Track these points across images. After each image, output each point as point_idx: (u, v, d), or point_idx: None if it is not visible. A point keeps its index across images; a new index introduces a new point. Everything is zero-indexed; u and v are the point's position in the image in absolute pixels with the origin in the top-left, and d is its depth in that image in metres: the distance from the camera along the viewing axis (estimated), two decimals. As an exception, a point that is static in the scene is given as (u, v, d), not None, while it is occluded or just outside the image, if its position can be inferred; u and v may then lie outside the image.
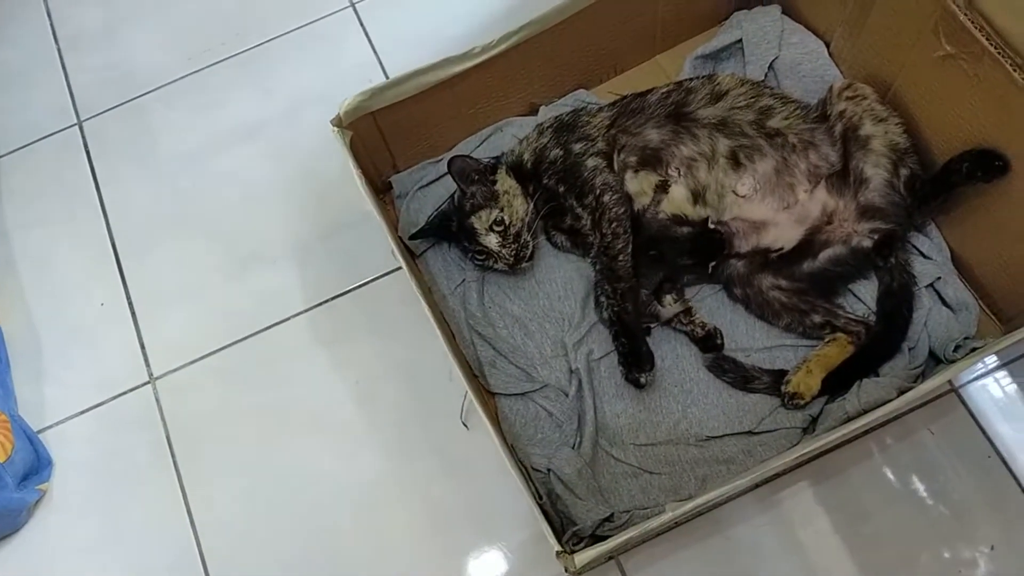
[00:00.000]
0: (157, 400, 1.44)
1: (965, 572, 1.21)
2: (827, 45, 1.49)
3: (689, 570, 1.25)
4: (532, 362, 1.36)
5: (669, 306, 1.33)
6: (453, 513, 1.32)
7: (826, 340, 1.30)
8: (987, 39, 1.14)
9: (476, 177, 1.37)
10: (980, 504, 1.24)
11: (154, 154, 1.68)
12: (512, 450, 1.29)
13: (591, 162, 1.35)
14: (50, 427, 1.44)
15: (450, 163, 1.37)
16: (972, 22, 1.16)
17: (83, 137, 1.71)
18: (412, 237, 1.44)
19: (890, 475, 1.27)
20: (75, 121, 1.73)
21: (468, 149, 1.51)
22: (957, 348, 1.26)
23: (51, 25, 1.85)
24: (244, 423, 1.41)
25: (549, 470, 1.26)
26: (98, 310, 1.53)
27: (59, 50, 1.82)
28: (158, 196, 1.64)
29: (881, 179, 1.30)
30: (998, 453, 1.27)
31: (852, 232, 1.31)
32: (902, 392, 1.16)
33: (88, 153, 1.69)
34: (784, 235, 1.34)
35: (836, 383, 1.26)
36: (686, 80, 1.43)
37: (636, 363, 1.29)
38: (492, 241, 1.35)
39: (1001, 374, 1.33)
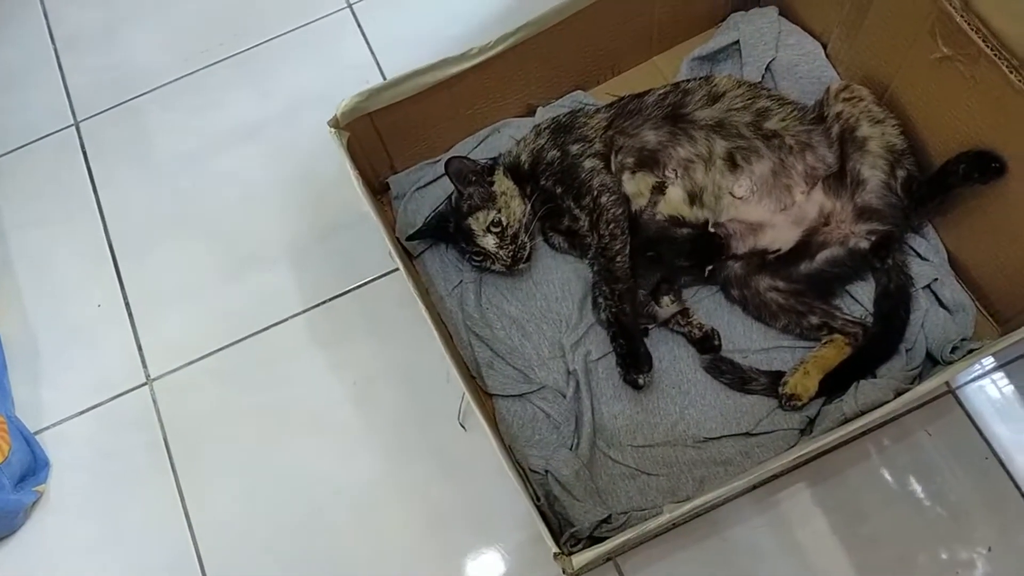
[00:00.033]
0: (154, 401, 1.44)
1: (962, 573, 1.21)
2: (824, 47, 1.49)
3: (687, 571, 1.25)
4: (530, 363, 1.36)
5: (666, 307, 1.33)
6: (451, 514, 1.31)
7: (823, 341, 1.30)
8: (983, 41, 1.14)
9: (473, 178, 1.38)
10: (977, 505, 1.25)
11: (151, 155, 1.68)
12: (510, 451, 1.29)
13: (588, 163, 1.35)
14: (47, 428, 1.44)
15: (447, 164, 1.37)
16: (969, 24, 1.16)
17: (80, 138, 1.71)
18: (409, 238, 1.44)
19: (888, 476, 1.27)
20: (72, 122, 1.73)
21: (465, 150, 1.51)
22: (954, 349, 1.26)
23: (48, 25, 1.85)
24: (242, 424, 1.41)
25: (547, 471, 1.26)
26: (95, 311, 1.53)
27: (56, 50, 1.81)
28: (155, 197, 1.63)
29: (878, 180, 1.30)
30: (995, 454, 1.27)
31: (849, 233, 1.32)
32: (899, 393, 1.17)
33: (85, 154, 1.69)
34: (781, 236, 1.34)
35: (833, 384, 1.26)
36: (683, 81, 1.43)
37: (634, 364, 1.29)
38: (489, 242, 1.35)
39: (998, 375, 1.33)
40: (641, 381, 1.29)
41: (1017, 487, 1.25)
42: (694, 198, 1.34)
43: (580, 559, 1.01)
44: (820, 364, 1.27)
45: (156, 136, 1.70)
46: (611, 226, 1.32)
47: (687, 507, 1.04)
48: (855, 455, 1.28)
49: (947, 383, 1.32)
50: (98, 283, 1.55)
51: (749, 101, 1.36)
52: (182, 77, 1.75)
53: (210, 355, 1.47)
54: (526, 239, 1.36)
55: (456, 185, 1.38)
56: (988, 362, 1.34)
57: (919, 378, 1.27)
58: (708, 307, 1.38)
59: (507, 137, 1.51)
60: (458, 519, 1.31)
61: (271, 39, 1.77)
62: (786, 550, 1.25)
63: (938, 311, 1.31)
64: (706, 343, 1.33)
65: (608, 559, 1.26)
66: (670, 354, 1.35)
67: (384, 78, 1.69)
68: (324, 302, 1.49)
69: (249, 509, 1.35)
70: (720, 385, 1.32)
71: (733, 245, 1.34)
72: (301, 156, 1.63)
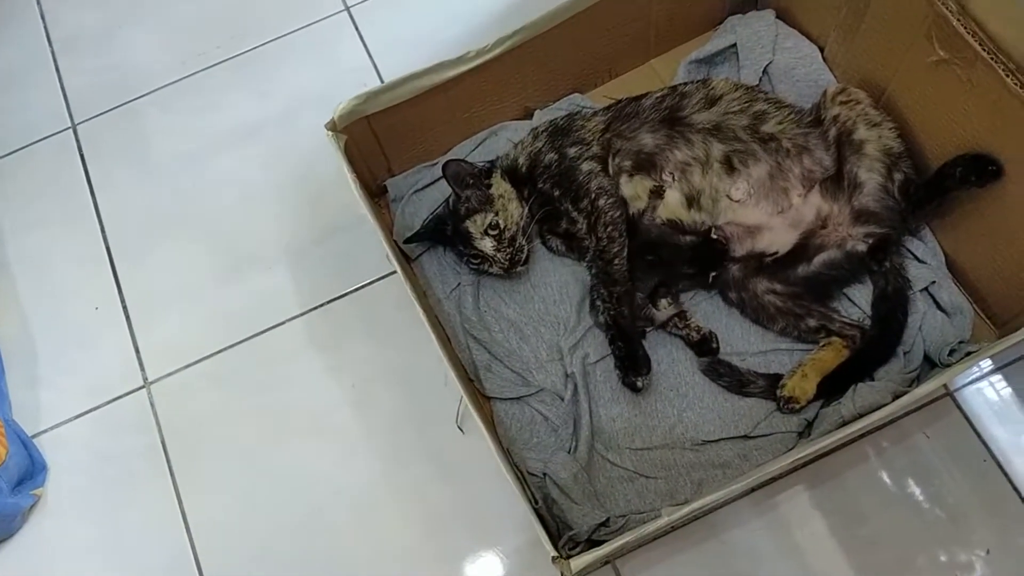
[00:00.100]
0: (152, 404, 1.44)
1: (961, 575, 1.21)
2: (821, 50, 1.50)
3: (686, 574, 1.25)
4: (528, 366, 1.36)
5: (664, 310, 1.33)
6: (449, 517, 1.31)
7: (821, 344, 1.30)
8: (980, 44, 1.15)
9: (471, 181, 1.38)
10: (976, 507, 1.25)
11: (149, 157, 1.68)
12: (508, 454, 1.29)
13: (586, 166, 1.35)
14: (45, 431, 1.43)
15: (445, 167, 1.37)
16: (965, 27, 1.16)
17: (77, 140, 1.71)
18: (407, 241, 1.44)
19: (886, 479, 1.28)
20: (69, 124, 1.72)
21: (463, 153, 1.51)
22: (952, 352, 1.26)
23: (45, 27, 1.85)
24: (240, 427, 1.41)
25: (545, 474, 1.26)
26: (93, 314, 1.53)
27: (53, 52, 1.81)
28: (153, 199, 1.63)
29: (875, 183, 1.30)
30: (993, 457, 1.27)
31: (846, 236, 1.32)
32: (897, 396, 1.17)
33: (83, 156, 1.69)
34: (778, 239, 1.34)
35: (831, 387, 1.26)
36: (680, 85, 1.43)
37: (632, 367, 1.29)
38: (487, 245, 1.35)
39: (996, 378, 1.33)
40: (639, 384, 1.29)
41: (1015, 489, 1.25)
42: (691, 201, 1.34)
43: (578, 562, 1.01)
44: (818, 367, 1.27)
45: (154, 138, 1.70)
46: (609, 229, 1.32)
47: (685, 510, 1.04)
48: (853, 457, 1.28)
49: (945, 386, 1.32)
50: (96, 286, 1.55)
51: (746, 104, 1.36)
52: (180, 79, 1.75)
53: (208, 358, 1.46)
54: (524, 242, 1.37)
55: (454, 188, 1.38)
56: (986, 365, 1.34)
57: (917, 381, 1.27)
58: (706, 310, 1.38)
59: (504, 140, 1.51)
60: (456, 522, 1.31)
61: (269, 41, 1.77)
62: (785, 552, 1.25)
63: (936, 314, 1.31)
64: (704, 346, 1.33)
65: (606, 562, 1.25)
66: (668, 357, 1.35)
67: (381, 81, 1.69)
68: (322, 304, 1.49)
69: (247, 512, 1.35)
70: (718, 388, 1.32)
71: (731, 248, 1.34)
72: (299, 159, 1.63)
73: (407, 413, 1.39)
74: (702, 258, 1.34)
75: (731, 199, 1.34)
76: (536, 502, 1.23)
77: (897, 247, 1.34)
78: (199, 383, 1.45)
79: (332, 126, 1.33)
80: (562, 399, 1.33)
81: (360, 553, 1.31)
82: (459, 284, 1.43)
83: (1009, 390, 1.32)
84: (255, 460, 1.38)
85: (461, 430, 1.36)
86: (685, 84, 1.43)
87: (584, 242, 1.37)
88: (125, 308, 1.53)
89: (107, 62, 1.79)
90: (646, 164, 1.36)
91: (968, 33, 1.16)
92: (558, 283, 1.41)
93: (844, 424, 1.19)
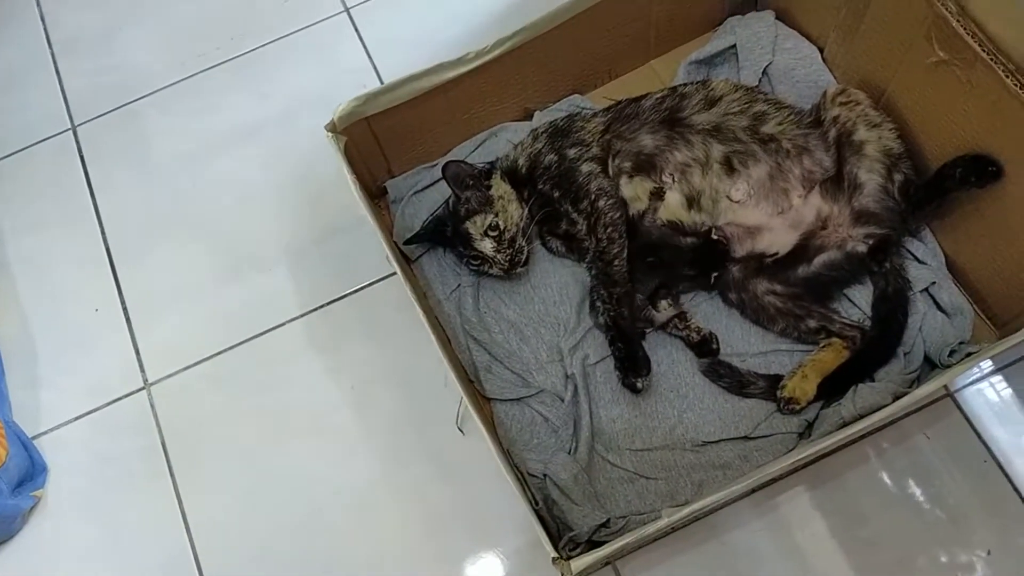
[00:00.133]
0: (152, 406, 1.44)
1: (961, 576, 1.21)
2: (821, 51, 1.50)
3: (686, 575, 1.25)
4: (528, 367, 1.36)
5: (664, 311, 1.33)
6: (449, 518, 1.31)
7: (821, 345, 1.30)
8: (979, 45, 1.15)
9: (471, 182, 1.38)
10: (976, 508, 1.25)
11: (149, 159, 1.68)
12: (508, 455, 1.29)
13: (586, 167, 1.35)
14: (45, 433, 1.43)
15: (445, 168, 1.37)
16: (965, 28, 1.16)
17: (77, 142, 1.71)
18: (407, 242, 1.44)
19: (887, 479, 1.27)
20: (69, 126, 1.72)
21: (463, 154, 1.51)
22: (952, 353, 1.26)
23: (44, 29, 1.85)
24: (239, 428, 1.41)
25: (545, 475, 1.26)
26: (93, 315, 1.53)
27: (53, 54, 1.81)
28: (153, 201, 1.63)
29: (875, 184, 1.30)
30: (994, 457, 1.27)
31: (847, 237, 1.32)
32: (897, 397, 1.17)
33: (82, 158, 1.69)
34: (779, 240, 1.34)
35: (832, 388, 1.26)
36: (680, 85, 1.43)
37: (632, 368, 1.29)
38: (487, 246, 1.35)
39: (996, 378, 1.33)
40: (639, 385, 1.29)
41: (1016, 490, 1.25)
42: (692, 202, 1.34)
43: (579, 563, 1.01)
44: (818, 368, 1.27)
45: (154, 139, 1.70)
46: (609, 230, 1.32)
47: (686, 511, 1.04)
48: (854, 458, 1.28)
49: (945, 386, 1.32)
50: (96, 287, 1.55)
51: (746, 105, 1.36)
52: (180, 80, 1.75)
53: (208, 359, 1.46)
54: (524, 243, 1.37)
55: (453, 189, 1.38)
56: (986, 365, 1.34)
57: (917, 381, 1.27)
58: (706, 311, 1.38)
59: (504, 141, 1.51)
60: (456, 523, 1.31)
61: (269, 43, 1.77)
62: (785, 553, 1.25)
63: (936, 314, 1.31)
64: (704, 347, 1.33)
65: (607, 563, 1.25)
66: (668, 358, 1.35)
67: (381, 82, 1.69)
68: (322, 306, 1.49)
69: (247, 512, 1.35)
70: (718, 389, 1.32)
71: (731, 249, 1.34)
72: (298, 160, 1.63)
73: (407, 414, 1.39)
74: (703, 259, 1.34)
75: (731, 200, 1.34)
76: (536, 503, 1.23)
77: (897, 248, 1.34)
78: (199, 384, 1.45)
79: (332, 127, 1.33)
80: (562, 400, 1.33)
81: (360, 554, 1.31)
82: (459, 285, 1.43)
83: (1009, 391, 1.32)
84: (255, 461, 1.38)
85: (461, 431, 1.36)
86: (685, 85, 1.43)
87: (584, 243, 1.37)
88: (125, 309, 1.53)
89: (107, 63, 1.79)
90: (646, 165, 1.36)
91: (968, 34, 1.16)
92: (558, 284, 1.41)
93: (844, 425, 1.19)
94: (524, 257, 1.37)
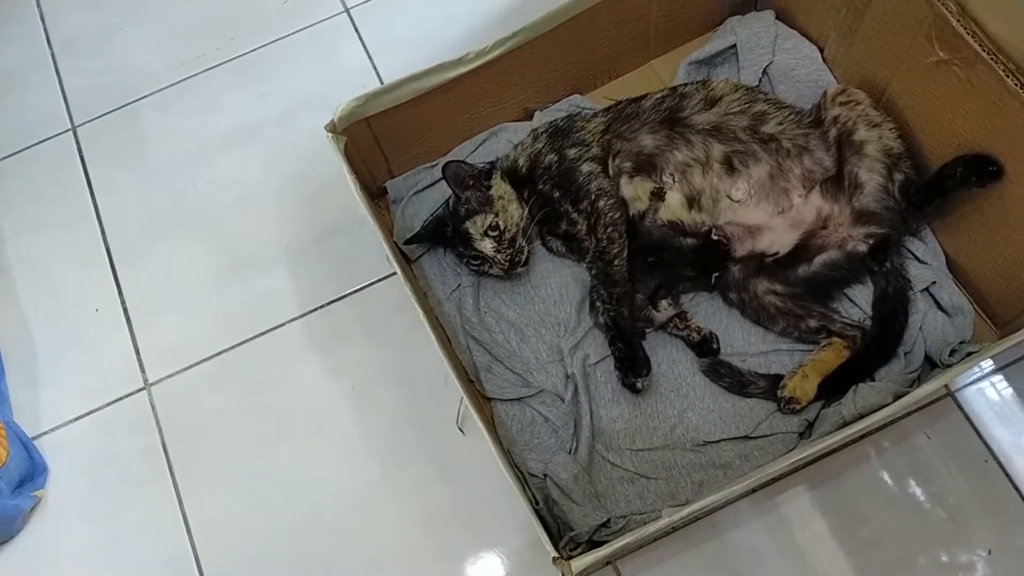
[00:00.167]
0: (152, 406, 1.44)
1: (962, 576, 1.21)
2: (821, 51, 1.50)
3: (686, 575, 1.25)
4: (528, 367, 1.36)
5: (664, 310, 1.33)
6: (449, 518, 1.31)
7: (822, 345, 1.30)
8: (980, 45, 1.15)
9: (471, 182, 1.38)
10: (977, 508, 1.25)
11: (149, 159, 1.68)
12: (508, 455, 1.28)
13: (586, 167, 1.35)
14: (45, 433, 1.43)
15: (445, 168, 1.37)
16: (965, 28, 1.16)
17: (77, 142, 1.71)
18: (407, 242, 1.44)
19: (887, 479, 1.27)
20: (69, 126, 1.72)
21: (463, 154, 1.51)
22: (953, 352, 1.26)
23: (44, 29, 1.85)
24: (239, 428, 1.41)
25: (545, 475, 1.26)
26: (93, 315, 1.53)
27: (53, 54, 1.81)
28: (153, 201, 1.63)
29: (875, 184, 1.30)
30: (995, 457, 1.27)
31: (847, 237, 1.32)
32: (898, 397, 1.16)
33: (82, 158, 1.69)
34: (779, 240, 1.34)
35: (832, 388, 1.26)
36: (680, 85, 1.43)
37: (632, 368, 1.29)
38: (487, 246, 1.35)
39: (997, 378, 1.33)
40: (639, 385, 1.29)
41: (1017, 489, 1.25)
42: (692, 202, 1.34)
43: (579, 563, 1.01)
44: (819, 367, 1.27)
45: (154, 140, 1.70)
46: (609, 230, 1.32)
47: (686, 511, 1.04)
48: (854, 458, 1.28)
49: (946, 386, 1.31)
50: (96, 287, 1.55)
51: (746, 105, 1.36)
52: (179, 81, 1.75)
53: (208, 359, 1.46)
54: (524, 243, 1.37)
55: (453, 189, 1.38)
56: (987, 365, 1.34)
57: (918, 381, 1.27)
58: (706, 311, 1.38)
59: (504, 141, 1.51)
60: (457, 523, 1.31)
61: (268, 43, 1.77)
62: (785, 553, 1.24)
63: (936, 314, 1.31)
64: (705, 347, 1.33)
65: (607, 563, 1.25)
66: (669, 358, 1.35)
67: (381, 82, 1.69)
68: (322, 306, 1.49)
69: (247, 513, 1.35)
70: (719, 389, 1.32)
71: (731, 248, 1.34)
72: (298, 160, 1.63)
73: (407, 414, 1.39)
74: (703, 260, 1.34)
75: (731, 199, 1.34)
76: (537, 503, 1.23)
77: (898, 247, 1.34)
78: (199, 384, 1.45)
79: (332, 127, 1.33)
80: (563, 400, 1.33)
81: (360, 553, 1.31)
82: (459, 285, 1.43)
83: (1010, 390, 1.32)
84: (255, 461, 1.38)
85: (461, 431, 1.36)
86: (685, 85, 1.43)
87: (584, 243, 1.37)
88: (125, 309, 1.53)
89: (107, 64, 1.79)
90: (646, 165, 1.36)
91: (968, 33, 1.16)
92: (558, 284, 1.41)
93: (845, 425, 1.19)
94: (524, 257, 1.37)
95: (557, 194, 1.36)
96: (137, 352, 1.49)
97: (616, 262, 1.32)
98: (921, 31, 1.23)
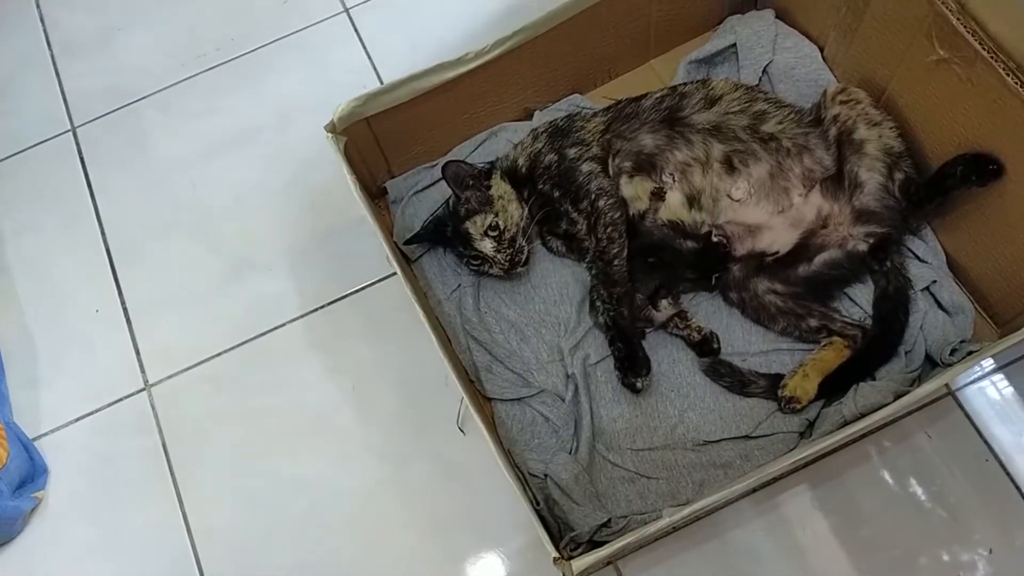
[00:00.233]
0: (153, 407, 1.44)
1: (964, 575, 1.20)
2: (821, 49, 1.49)
3: (687, 574, 1.25)
4: (528, 367, 1.36)
5: (664, 310, 1.33)
6: (450, 518, 1.31)
7: (822, 344, 1.30)
8: (980, 43, 1.15)
9: (471, 182, 1.38)
10: (978, 507, 1.24)
11: (148, 160, 1.68)
12: (509, 455, 1.28)
13: (586, 167, 1.35)
14: (45, 434, 1.43)
15: (444, 168, 1.37)
16: (965, 27, 1.16)
17: (77, 143, 1.71)
18: (407, 242, 1.44)
19: (888, 478, 1.27)
20: (69, 127, 1.72)
21: (463, 154, 1.51)
22: (953, 351, 1.26)
23: (44, 30, 1.85)
24: (240, 429, 1.41)
25: (546, 475, 1.26)
26: (93, 316, 1.53)
27: (52, 56, 1.81)
28: (153, 202, 1.63)
29: (876, 183, 1.30)
30: (995, 456, 1.27)
31: (847, 236, 1.32)
32: (899, 396, 1.16)
33: (82, 159, 1.69)
34: (779, 239, 1.34)
35: (833, 387, 1.26)
36: (680, 85, 1.43)
37: (632, 368, 1.29)
38: (487, 246, 1.35)
39: (998, 377, 1.33)
40: (639, 385, 1.29)
41: (1017, 488, 1.25)
42: (692, 201, 1.34)
43: (580, 563, 1.01)
44: (819, 367, 1.27)
45: (153, 141, 1.70)
46: (609, 230, 1.32)
47: (687, 511, 1.04)
48: (855, 457, 1.28)
49: (947, 385, 1.31)
50: (96, 288, 1.55)
51: (746, 104, 1.36)
52: (179, 82, 1.75)
53: (208, 360, 1.46)
54: (524, 243, 1.36)
55: (453, 189, 1.38)
56: (987, 364, 1.34)
57: (918, 380, 1.27)
58: (707, 310, 1.38)
59: (504, 141, 1.51)
60: (457, 523, 1.31)
61: (268, 44, 1.77)
62: (786, 552, 1.24)
63: (937, 313, 1.31)
64: (705, 346, 1.32)
65: (608, 563, 1.25)
66: (669, 357, 1.35)
67: (381, 83, 1.69)
68: (322, 306, 1.49)
69: (248, 513, 1.35)
70: (719, 388, 1.32)
71: (732, 248, 1.34)
72: (298, 161, 1.63)
73: (408, 414, 1.39)
74: (704, 262, 1.34)
75: (732, 199, 1.34)
76: (537, 503, 1.22)
77: (898, 246, 1.34)
78: (200, 385, 1.45)
79: (332, 128, 1.33)
80: (563, 400, 1.33)
81: (361, 554, 1.31)
82: (459, 285, 1.43)
83: (1011, 389, 1.32)
84: (256, 462, 1.38)
85: (462, 431, 1.36)
86: (685, 84, 1.43)
87: (584, 243, 1.37)
88: (125, 310, 1.53)
89: (107, 65, 1.79)
90: (646, 165, 1.35)
91: (968, 32, 1.16)
92: (558, 284, 1.41)
93: (845, 424, 1.19)
94: (524, 257, 1.37)
95: (557, 194, 1.36)
96: (137, 353, 1.49)
97: (616, 262, 1.32)
98: (921, 30, 1.23)
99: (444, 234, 1.41)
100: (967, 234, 1.32)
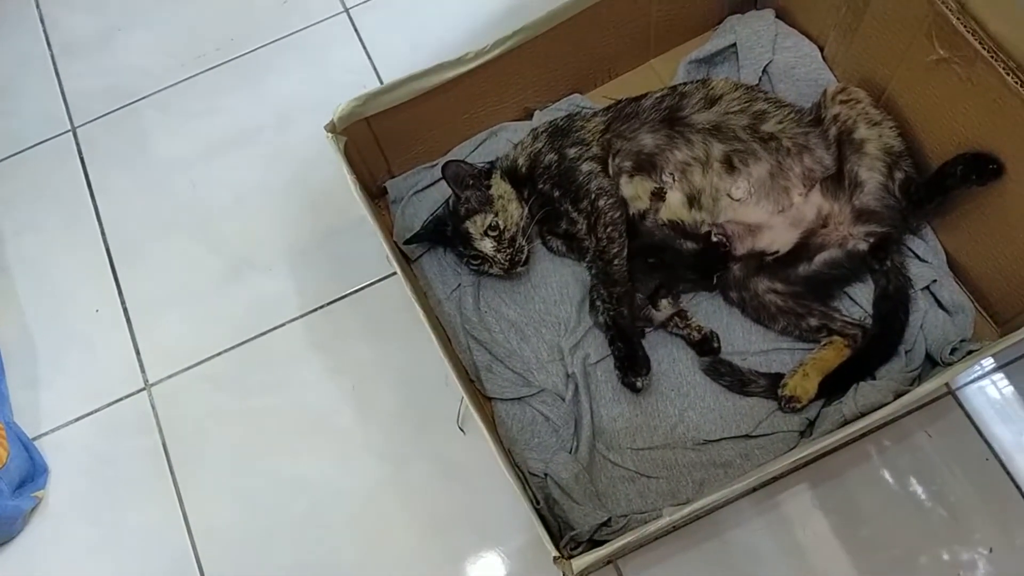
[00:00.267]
0: (153, 407, 1.44)
1: (964, 574, 1.20)
2: (821, 49, 1.50)
3: (687, 573, 1.25)
4: (528, 366, 1.36)
5: (664, 309, 1.33)
6: (450, 518, 1.31)
7: (822, 343, 1.30)
8: (980, 43, 1.15)
9: (471, 182, 1.38)
10: (978, 506, 1.24)
11: (148, 160, 1.68)
12: (509, 455, 1.28)
13: (586, 167, 1.35)
14: (45, 434, 1.43)
15: (444, 168, 1.37)
16: (965, 26, 1.16)
17: (77, 143, 1.71)
18: (407, 242, 1.44)
19: (888, 477, 1.27)
20: (69, 127, 1.72)
21: (463, 154, 1.51)
22: (953, 351, 1.26)
23: (44, 30, 1.85)
24: (240, 428, 1.41)
25: (546, 475, 1.26)
26: (93, 316, 1.53)
27: (52, 56, 1.81)
28: (153, 202, 1.63)
29: (876, 182, 1.30)
30: (996, 455, 1.27)
31: (847, 235, 1.32)
32: (899, 395, 1.16)
33: (82, 159, 1.69)
34: (779, 238, 1.34)
35: (833, 386, 1.26)
36: (680, 85, 1.43)
37: (632, 367, 1.29)
38: (487, 246, 1.35)
39: (998, 376, 1.33)
40: (639, 384, 1.29)
41: (1018, 488, 1.25)
42: (692, 201, 1.34)
43: (580, 562, 1.01)
44: (819, 366, 1.27)
45: (153, 141, 1.70)
46: (609, 229, 1.32)
47: (687, 510, 1.04)
48: (855, 457, 1.28)
49: (947, 384, 1.31)
50: (96, 288, 1.55)
51: (746, 104, 1.36)
52: (179, 82, 1.75)
53: (208, 360, 1.46)
54: (524, 242, 1.36)
55: (453, 189, 1.38)
56: (988, 363, 1.34)
57: (918, 379, 1.27)
58: (707, 309, 1.38)
59: (504, 141, 1.51)
60: (458, 522, 1.31)
61: (268, 44, 1.77)
62: (786, 552, 1.24)
63: (937, 312, 1.31)
64: (705, 345, 1.32)
65: (608, 562, 1.25)
66: (669, 356, 1.35)
67: (381, 83, 1.69)
68: (322, 306, 1.49)
69: (248, 513, 1.35)
70: (719, 387, 1.32)
71: (732, 248, 1.34)
72: (298, 161, 1.63)
73: (408, 414, 1.39)
74: (704, 263, 1.34)
75: (732, 198, 1.34)
76: (537, 502, 1.22)
77: (898, 246, 1.34)
78: (200, 385, 1.45)
79: (332, 128, 1.33)
80: (563, 399, 1.33)
81: (361, 554, 1.31)
82: (459, 285, 1.43)
83: (1011, 388, 1.32)
84: (256, 462, 1.38)
85: (462, 431, 1.36)
86: (685, 84, 1.43)
87: (584, 242, 1.37)
88: (125, 310, 1.53)
89: (106, 65, 1.79)
90: (646, 164, 1.35)
91: (968, 32, 1.16)
92: (558, 283, 1.41)
93: (846, 423, 1.19)
94: (524, 256, 1.37)
95: (557, 193, 1.36)
96: (137, 352, 1.49)
97: (616, 261, 1.32)
98: (921, 29, 1.23)
99: (444, 234, 1.41)
100: (967, 233, 1.32)
